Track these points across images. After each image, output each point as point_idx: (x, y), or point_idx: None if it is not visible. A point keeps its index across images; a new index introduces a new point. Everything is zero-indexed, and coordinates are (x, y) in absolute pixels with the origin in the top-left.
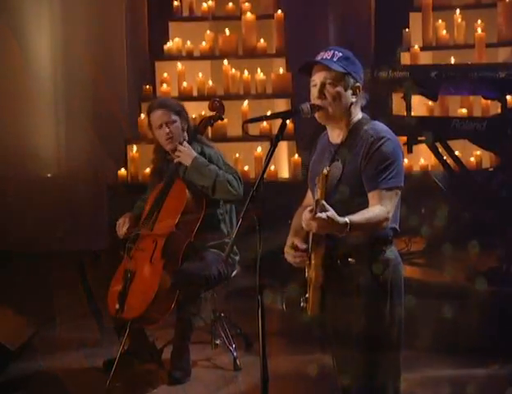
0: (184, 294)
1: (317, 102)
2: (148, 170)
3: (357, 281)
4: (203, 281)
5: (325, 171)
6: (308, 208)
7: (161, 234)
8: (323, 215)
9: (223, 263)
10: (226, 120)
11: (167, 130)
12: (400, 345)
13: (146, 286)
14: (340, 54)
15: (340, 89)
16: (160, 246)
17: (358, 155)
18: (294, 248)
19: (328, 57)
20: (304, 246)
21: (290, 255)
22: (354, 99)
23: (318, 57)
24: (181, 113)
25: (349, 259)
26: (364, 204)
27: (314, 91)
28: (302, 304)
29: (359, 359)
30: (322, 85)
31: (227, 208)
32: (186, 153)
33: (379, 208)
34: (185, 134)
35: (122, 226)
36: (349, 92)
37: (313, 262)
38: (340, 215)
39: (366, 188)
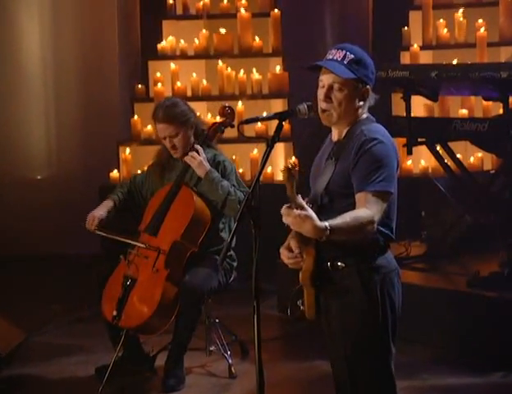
0: (185, 307)
1: (323, 105)
2: (140, 171)
3: (346, 286)
4: (205, 294)
5: (289, 164)
6: (286, 205)
7: (165, 243)
8: (297, 212)
9: (222, 271)
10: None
11: (170, 144)
12: (388, 354)
13: (148, 297)
14: (352, 56)
15: (347, 93)
16: (164, 255)
17: (350, 155)
18: (289, 249)
19: (339, 59)
20: (297, 249)
21: (283, 256)
22: (361, 103)
23: (329, 56)
24: (187, 122)
25: (339, 263)
26: (354, 205)
27: (321, 93)
28: (301, 308)
29: (349, 363)
30: (329, 88)
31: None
32: (201, 164)
33: (363, 210)
34: (192, 138)
35: (91, 224)
36: (357, 96)
37: (303, 263)
38: (330, 214)
39: (354, 189)
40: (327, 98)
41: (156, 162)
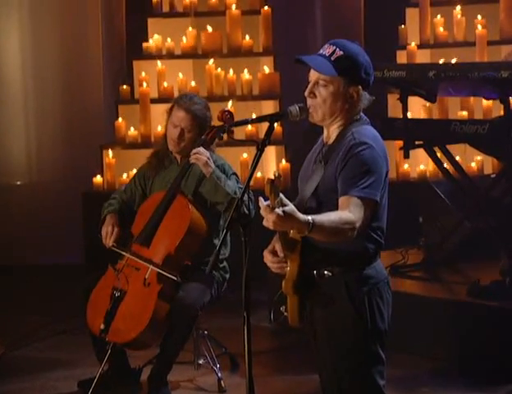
0: (177, 325)
1: (308, 101)
2: (125, 176)
3: (333, 296)
4: (197, 312)
5: (272, 176)
6: (265, 203)
7: (158, 255)
8: (279, 211)
9: (215, 284)
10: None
11: (179, 134)
12: (378, 365)
13: (138, 312)
14: (341, 53)
15: (332, 91)
16: (156, 269)
17: (337, 158)
18: (273, 253)
19: (327, 54)
20: (282, 253)
21: (267, 260)
22: (349, 103)
23: (320, 51)
24: (203, 127)
25: (325, 272)
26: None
27: (307, 88)
28: (285, 314)
29: (337, 375)
30: (315, 84)
31: (221, 224)
32: (206, 163)
33: (346, 213)
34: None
35: (110, 237)
36: (344, 95)
37: (287, 269)
38: None
39: (338, 193)
40: (311, 93)
41: (152, 158)
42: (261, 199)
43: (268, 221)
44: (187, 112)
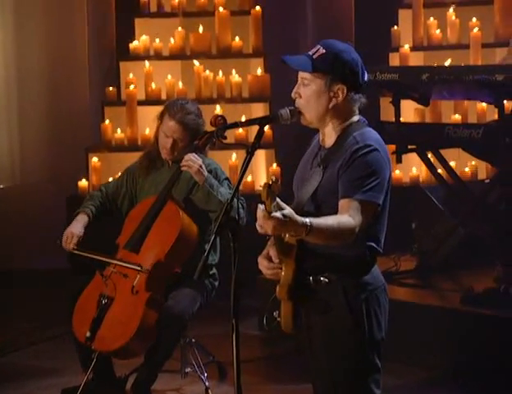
0: (165, 334)
1: (295, 102)
2: (111, 180)
3: (330, 303)
4: (186, 322)
5: (270, 181)
6: (261, 207)
7: (148, 262)
8: (278, 214)
9: (205, 292)
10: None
11: (170, 145)
12: (375, 373)
13: (126, 321)
14: (323, 51)
15: (315, 89)
16: (145, 276)
17: (339, 162)
18: (268, 258)
19: (311, 53)
20: (277, 258)
21: (262, 266)
22: (334, 102)
23: (308, 51)
24: (195, 135)
25: (322, 278)
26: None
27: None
28: (278, 319)
29: (334, 383)
30: (300, 85)
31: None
32: (198, 171)
33: (346, 218)
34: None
35: (70, 242)
36: (327, 93)
37: (282, 274)
38: None
39: (339, 195)
40: (296, 93)
41: (144, 158)
42: (260, 206)
43: (267, 226)
44: (179, 124)
